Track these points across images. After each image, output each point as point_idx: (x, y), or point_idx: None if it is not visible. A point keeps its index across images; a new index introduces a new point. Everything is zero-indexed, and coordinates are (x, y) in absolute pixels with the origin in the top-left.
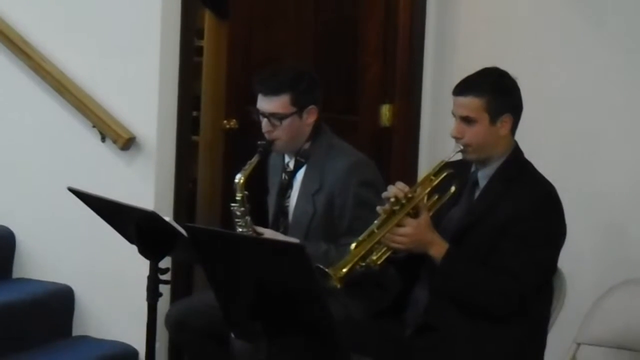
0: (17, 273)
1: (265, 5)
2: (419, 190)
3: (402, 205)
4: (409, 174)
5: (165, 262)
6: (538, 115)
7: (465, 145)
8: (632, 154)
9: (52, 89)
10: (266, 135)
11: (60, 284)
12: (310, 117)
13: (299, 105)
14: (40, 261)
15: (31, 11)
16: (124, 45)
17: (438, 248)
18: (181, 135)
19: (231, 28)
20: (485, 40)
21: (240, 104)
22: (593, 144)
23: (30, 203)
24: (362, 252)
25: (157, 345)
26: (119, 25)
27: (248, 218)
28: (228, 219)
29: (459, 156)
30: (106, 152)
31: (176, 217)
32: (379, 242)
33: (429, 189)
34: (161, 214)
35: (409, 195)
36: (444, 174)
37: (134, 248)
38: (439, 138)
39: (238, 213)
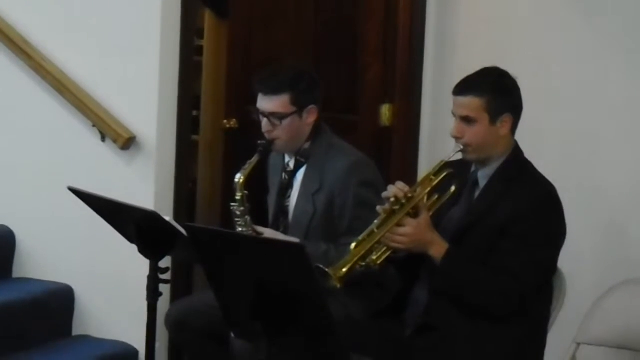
0: (17, 273)
1: (266, 4)
2: (419, 190)
3: (402, 205)
4: (409, 174)
5: (165, 262)
6: (538, 115)
7: (465, 145)
8: (632, 153)
9: (53, 88)
10: (266, 135)
11: (61, 284)
12: (310, 116)
13: (299, 105)
14: (41, 261)
15: (32, 11)
16: (124, 45)
17: (438, 248)
18: (181, 134)
19: (231, 28)
20: (485, 40)
21: (241, 103)
22: (593, 144)
23: (31, 202)
24: (362, 252)
25: (157, 345)
26: (119, 25)
27: (248, 217)
28: (228, 218)
29: (459, 156)
30: (106, 152)
31: (176, 217)
32: (378, 242)
33: (429, 188)
34: (161, 213)
35: (409, 195)
36: (444, 174)
37: (134, 248)
38: (439, 138)
39: (238, 212)
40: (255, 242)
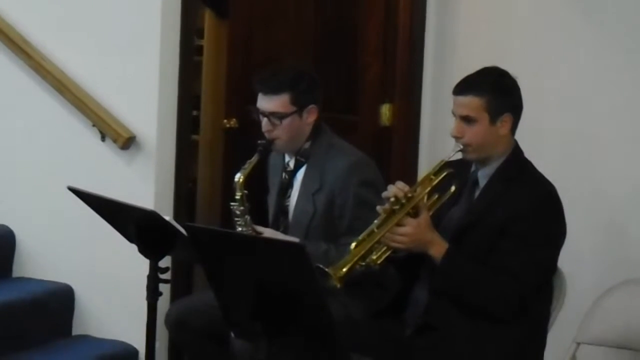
0: (17, 272)
1: (266, 4)
2: (419, 189)
3: (402, 205)
4: (409, 174)
5: (165, 262)
6: (538, 115)
7: (465, 145)
8: (632, 153)
9: (52, 88)
10: (266, 135)
11: (60, 283)
12: (310, 116)
13: (299, 105)
14: (40, 260)
15: (31, 11)
16: (124, 45)
17: (438, 248)
18: (181, 134)
19: (231, 27)
20: (485, 40)
21: (240, 103)
22: (593, 144)
23: (30, 202)
24: (362, 252)
25: (157, 344)
26: (119, 25)
27: (247, 217)
28: (228, 218)
29: (459, 156)
30: (106, 151)
31: (176, 217)
32: (378, 242)
33: (429, 188)
34: (161, 213)
35: (409, 195)
36: (444, 174)
37: (134, 247)
38: (439, 138)
39: (238, 212)
40: (255, 241)
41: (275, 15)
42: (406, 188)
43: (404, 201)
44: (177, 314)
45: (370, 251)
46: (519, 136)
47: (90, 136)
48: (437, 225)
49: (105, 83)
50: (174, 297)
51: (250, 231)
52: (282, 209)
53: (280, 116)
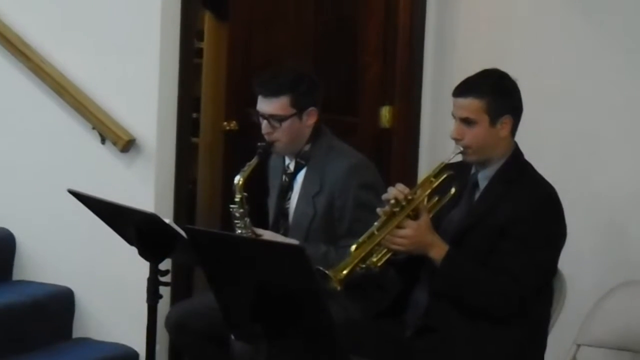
0: (17, 275)
1: (265, 6)
2: (419, 192)
3: (402, 207)
4: (409, 176)
5: (166, 264)
6: (538, 116)
7: (465, 147)
8: (632, 154)
9: (52, 90)
10: (266, 137)
11: (61, 286)
12: (310, 118)
13: (299, 107)
14: (41, 263)
15: (30, 12)
16: (124, 47)
17: (438, 250)
18: (181, 137)
19: (231, 30)
20: (485, 41)
21: (240, 105)
22: (593, 144)
23: (30, 205)
24: (362, 254)
25: (158, 347)
26: (119, 27)
27: (247, 219)
28: (228, 220)
29: (459, 158)
30: (106, 154)
31: (176, 219)
32: (379, 244)
33: (429, 190)
34: (161, 215)
35: (409, 197)
36: (444, 176)
37: (134, 250)
38: (439, 140)
39: (237, 214)
40: (255, 244)
41: (275, 18)
42: (406, 190)
43: (404, 203)
44: (178, 317)
45: (370, 253)
46: (519, 137)
47: (90, 139)
48: (437, 228)
49: (105, 85)
50: (174, 299)
51: (250, 233)
52: (282, 212)
53: (280, 119)
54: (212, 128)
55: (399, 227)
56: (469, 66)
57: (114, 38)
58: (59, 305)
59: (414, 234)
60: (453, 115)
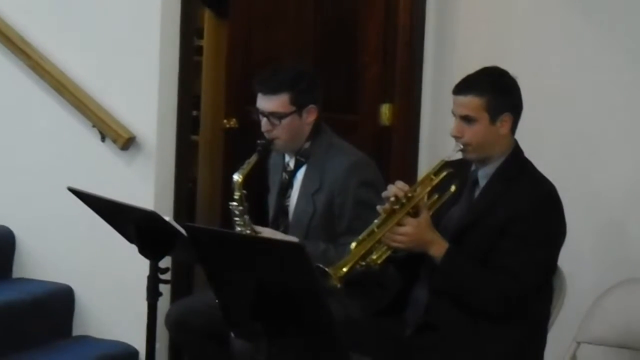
0: (17, 273)
1: (265, 4)
2: (419, 189)
3: (402, 205)
4: (409, 174)
5: (166, 262)
6: (538, 115)
7: (465, 145)
8: (632, 154)
9: (52, 88)
10: (265, 135)
11: (61, 284)
12: (309, 116)
13: (299, 105)
14: (41, 261)
15: (30, 10)
16: (124, 45)
17: (438, 247)
18: (181, 134)
19: (231, 27)
20: (485, 40)
21: (240, 103)
22: (593, 143)
23: (30, 203)
24: (362, 252)
25: (158, 345)
26: (119, 25)
27: (247, 217)
28: (228, 218)
29: (459, 155)
30: (106, 152)
31: (176, 217)
32: (379, 242)
33: (429, 188)
34: (161, 213)
35: (409, 195)
36: (444, 173)
37: (134, 248)
38: (439, 137)
39: (237, 212)
40: (255, 241)
41: (275, 15)
42: (406, 187)
43: (404, 201)
44: (178, 315)
45: (370, 251)
46: (519, 136)
47: (90, 137)
48: (437, 225)
49: (104, 83)
50: (174, 297)
51: (250, 231)
52: (282, 209)
53: (280, 116)
54: (212, 126)
55: (399, 224)
56: (469, 64)
57: (114, 36)
58: (58, 303)
59: (414, 231)
60: (453, 112)
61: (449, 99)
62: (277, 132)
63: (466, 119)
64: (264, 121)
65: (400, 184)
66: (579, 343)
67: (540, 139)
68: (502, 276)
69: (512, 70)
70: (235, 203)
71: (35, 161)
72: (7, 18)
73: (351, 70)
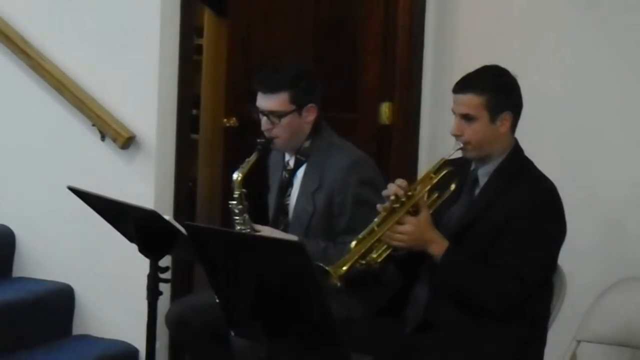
0: (17, 272)
1: (265, 3)
2: (419, 188)
3: (402, 203)
4: (408, 172)
5: (166, 261)
6: (538, 114)
7: (465, 143)
8: (632, 152)
9: (52, 87)
10: (265, 133)
11: (61, 283)
12: (309, 115)
13: (298, 103)
14: (41, 260)
15: (30, 10)
16: (124, 44)
17: (438, 246)
18: (181, 133)
19: (230, 26)
20: (485, 39)
21: (240, 102)
22: (593, 143)
23: (30, 202)
24: (363, 250)
25: (158, 344)
26: (119, 24)
27: (246, 215)
28: (228, 217)
29: (459, 154)
30: (106, 151)
31: (176, 216)
32: (379, 240)
33: (429, 186)
34: (161, 212)
35: (409, 193)
36: (444, 172)
37: (134, 247)
38: (439, 136)
39: (236, 210)
40: (255, 240)
41: (274, 14)
42: (404, 184)
43: (404, 199)
44: (178, 313)
45: (370, 249)
46: (519, 134)
47: (90, 136)
48: (437, 224)
49: (104, 82)
50: (174, 296)
51: (249, 229)
52: (282, 208)
53: (279, 115)
54: (212, 125)
55: (399, 223)
56: (469, 64)
57: (114, 35)
58: (58, 302)
59: (414, 230)
60: (453, 111)
61: (448, 97)
62: (277, 131)
63: (466, 118)
64: (263, 120)
65: (399, 180)
66: (579, 341)
67: (540, 137)
68: (502, 275)
69: (512, 69)
70: (234, 202)
71: (35, 160)
72: (7, 18)
73: (351, 69)
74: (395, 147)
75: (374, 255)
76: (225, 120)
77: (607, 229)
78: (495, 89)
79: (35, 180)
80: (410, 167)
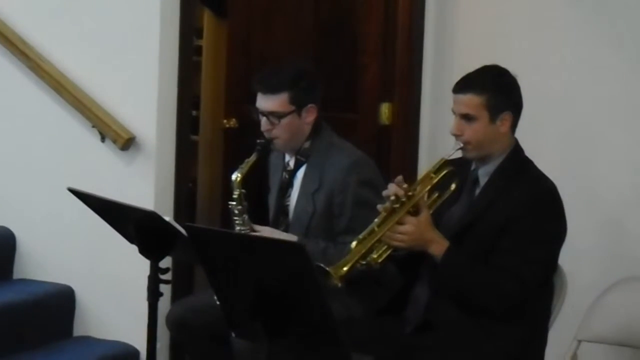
0: (17, 274)
1: (264, 3)
2: (419, 188)
3: (403, 204)
4: (409, 172)
5: (166, 262)
6: (538, 114)
7: (465, 143)
8: (632, 152)
9: (51, 89)
10: (265, 134)
11: (61, 285)
12: (309, 115)
13: (298, 104)
14: (41, 262)
15: (30, 11)
16: (124, 45)
17: (438, 246)
18: (181, 134)
19: (230, 27)
20: (485, 39)
21: (240, 103)
22: (593, 143)
23: (31, 204)
24: (363, 251)
25: (158, 345)
26: (118, 25)
27: (246, 216)
28: (228, 218)
29: (459, 154)
30: (106, 152)
31: (176, 217)
32: (379, 241)
33: (429, 186)
34: (161, 213)
35: (409, 193)
36: (444, 172)
37: (134, 248)
38: (439, 136)
39: (236, 211)
40: (256, 241)
41: (274, 14)
42: (404, 184)
43: (404, 200)
44: (178, 315)
45: (370, 250)
46: (519, 134)
47: (90, 137)
48: (438, 224)
49: (104, 84)
50: (175, 297)
51: (249, 230)
52: (282, 209)
53: (279, 115)
54: (211, 126)
55: (399, 223)
56: (469, 64)
57: (113, 36)
58: (59, 304)
59: (414, 230)
60: (453, 111)
61: (448, 97)
62: (277, 132)
63: (466, 118)
64: (263, 120)
65: (399, 179)
66: (579, 341)
67: (540, 137)
68: (503, 275)
69: (512, 69)
70: (234, 202)
71: (35, 162)
72: (6, 19)
73: (351, 70)
74: (395, 147)
75: (375, 256)
76: (225, 121)
77: (607, 228)
78: (495, 89)
79: (35, 182)
80: (410, 167)
